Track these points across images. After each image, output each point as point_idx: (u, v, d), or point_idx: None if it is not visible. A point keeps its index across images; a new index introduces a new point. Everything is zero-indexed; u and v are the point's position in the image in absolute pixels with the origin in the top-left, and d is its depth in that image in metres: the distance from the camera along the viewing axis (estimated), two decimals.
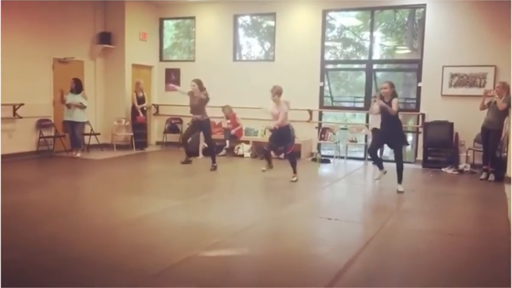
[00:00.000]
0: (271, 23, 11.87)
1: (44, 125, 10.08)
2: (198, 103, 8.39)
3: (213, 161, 8.64)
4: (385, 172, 7.33)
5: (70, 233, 4.87)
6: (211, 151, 8.82)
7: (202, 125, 8.54)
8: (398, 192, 7.00)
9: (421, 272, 4.09)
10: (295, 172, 7.73)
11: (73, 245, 4.47)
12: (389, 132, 7.01)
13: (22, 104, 9.42)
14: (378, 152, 7.73)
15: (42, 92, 10.04)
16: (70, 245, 4.48)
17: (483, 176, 8.40)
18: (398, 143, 7.11)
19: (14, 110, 9.38)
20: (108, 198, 6.52)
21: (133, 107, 11.37)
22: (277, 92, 7.50)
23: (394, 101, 6.83)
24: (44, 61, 10.13)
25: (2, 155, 9.07)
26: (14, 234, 4.79)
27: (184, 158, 8.66)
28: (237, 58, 12.10)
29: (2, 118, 9.21)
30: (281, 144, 7.85)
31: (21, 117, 9.49)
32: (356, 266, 4.15)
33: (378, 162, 7.42)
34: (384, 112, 6.91)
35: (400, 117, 7.30)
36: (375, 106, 9.88)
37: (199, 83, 8.44)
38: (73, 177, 8.27)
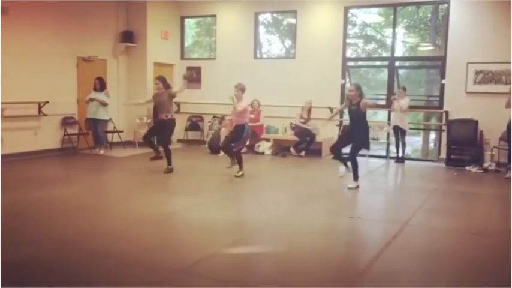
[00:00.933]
0: (292, 20, 11.84)
1: (68, 122, 10.26)
2: (165, 101, 7.94)
3: (169, 163, 8.07)
4: (349, 171, 7.21)
5: (96, 228, 4.98)
6: (167, 151, 8.05)
7: (166, 124, 8.02)
8: (348, 188, 7.03)
9: (443, 270, 4.04)
10: (240, 168, 7.84)
11: (99, 240, 4.55)
12: (355, 132, 6.99)
13: (47, 102, 9.60)
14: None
15: (67, 90, 10.22)
16: (96, 239, 4.57)
17: (508, 174, 8.25)
18: (359, 144, 7.03)
19: (39, 107, 9.56)
20: (132, 194, 6.62)
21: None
22: (241, 89, 7.71)
23: (364, 102, 6.81)
24: (69, 60, 10.30)
25: (28, 152, 9.31)
26: (42, 228, 4.91)
27: (154, 154, 8.20)
28: (258, 56, 12.10)
29: (27, 116, 9.41)
30: (235, 141, 7.78)
31: (46, 115, 9.68)
32: (379, 264, 4.13)
33: (342, 159, 7.33)
34: (354, 112, 6.89)
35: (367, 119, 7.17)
36: (395, 103, 9.86)
37: (163, 81, 8.00)
38: (97, 174, 8.41)
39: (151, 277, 3.68)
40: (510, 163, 8.34)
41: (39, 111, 9.58)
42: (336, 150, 7.30)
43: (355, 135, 7.00)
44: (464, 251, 4.57)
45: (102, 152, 10.19)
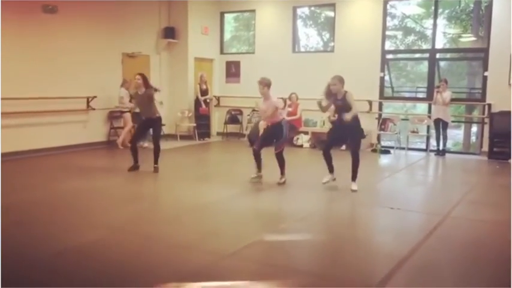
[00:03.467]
0: (330, 13, 11.87)
1: (114, 116, 10.68)
2: (145, 103, 7.34)
3: (155, 161, 7.56)
4: (334, 179, 6.60)
5: (147, 216, 5.29)
6: (157, 150, 7.56)
7: (153, 123, 7.56)
8: (352, 191, 6.30)
9: (484, 262, 4.10)
10: (282, 173, 6.79)
11: (150, 227, 4.84)
12: (347, 129, 6.26)
13: (95, 97, 10.04)
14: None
15: (113, 85, 10.63)
16: (148, 226, 4.86)
17: None
18: (357, 139, 6.48)
19: (88, 102, 10.02)
20: (177, 185, 6.90)
21: (197, 99, 11.80)
22: (266, 84, 6.58)
23: (349, 96, 6.20)
24: (114, 56, 10.72)
25: (77, 145, 9.80)
26: (97, 215, 5.25)
27: (132, 164, 7.57)
28: (296, 50, 12.21)
29: (77, 110, 9.90)
30: (271, 142, 6.78)
31: (94, 109, 10.13)
32: (419, 254, 4.22)
33: (330, 163, 6.55)
34: (341, 107, 6.27)
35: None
36: (437, 96, 9.78)
37: (144, 78, 7.40)
38: (142, 166, 8.75)
39: (203, 260, 3.92)
40: None
41: (88, 106, 10.03)
42: (327, 153, 6.52)
43: (348, 131, 6.32)
44: (506, 243, 4.58)
45: (146, 145, 10.52)
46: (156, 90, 7.70)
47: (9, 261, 3.75)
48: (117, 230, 4.77)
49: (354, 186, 6.35)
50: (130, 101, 9.63)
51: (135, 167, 7.56)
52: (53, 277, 3.60)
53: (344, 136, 6.60)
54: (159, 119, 7.61)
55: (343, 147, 10.42)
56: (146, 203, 5.89)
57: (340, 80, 6.22)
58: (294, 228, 4.92)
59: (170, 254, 4.10)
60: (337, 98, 6.26)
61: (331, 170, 6.55)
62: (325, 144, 6.77)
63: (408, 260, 4.04)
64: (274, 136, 6.69)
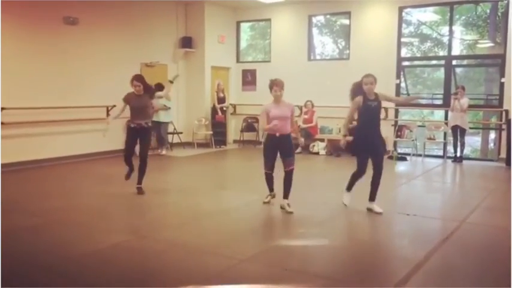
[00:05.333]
0: (345, 21, 11.95)
1: None
2: (145, 105, 6.62)
3: (139, 181, 6.63)
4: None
5: (168, 221, 5.44)
6: (144, 166, 6.69)
7: (144, 133, 6.64)
8: (376, 213, 5.58)
9: (500, 267, 4.09)
10: (287, 197, 5.71)
11: (170, 232, 4.96)
12: (376, 137, 5.58)
13: (114, 106, 10.22)
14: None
15: None
16: (167, 232, 4.98)
17: None
18: (382, 150, 5.75)
19: (108, 111, 10.23)
20: (196, 191, 7.02)
21: (214, 107, 11.96)
22: (283, 87, 5.63)
23: (383, 96, 5.67)
24: (133, 65, 10.90)
25: (97, 153, 10.02)
26: (119, 221, 5.39)
27: (127, 172, 6.87)
28: (312, 58, 12.30)
29: (97, 119, 10.12)
30: (280, 157, 5.71)
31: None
32: (435, 258, 4.25)
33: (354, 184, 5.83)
34: (373, 111, 5.56)
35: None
36: (455, 103, 9.75)
37: (143, 81, 6.59)
38: (161, 173, 8.91)
39: (223, 264, 4.02)
40: None
41: (108, 114, 10.25)
42: (362, 174, 5.65)
43: (376, 139, 5.57)
44: None
45: (164, 152, 10.74)
46: (158, 110, 7.24)
47: (26, 266, 3.90)
48: (137, 235, 4.91)
49: (378, 209, 5.60)
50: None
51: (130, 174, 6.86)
52: (71, 282, 3.72)
53: (373, 149, 5.56)
54: (150, 129, 6.82)
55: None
56: (167, 209, 6.01)
57: (376, 80, 5.55)
58: (311, 233, 4.99)
59: (189, 259, 4.20)
60: (369, 99, 5.51)
61: (350, 189, 5.88)
62: (361, 167, 5.62)
63: (424, 264, 4.08)
64: (288, 150, 5.62)
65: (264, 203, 5.97)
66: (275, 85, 5.57)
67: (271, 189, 5.94)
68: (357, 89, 5.62)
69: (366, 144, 5.51)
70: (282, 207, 5.68)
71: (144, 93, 6.58)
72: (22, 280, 3.68)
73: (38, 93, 8.92)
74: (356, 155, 5.71)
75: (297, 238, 4.80)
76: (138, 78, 6.60)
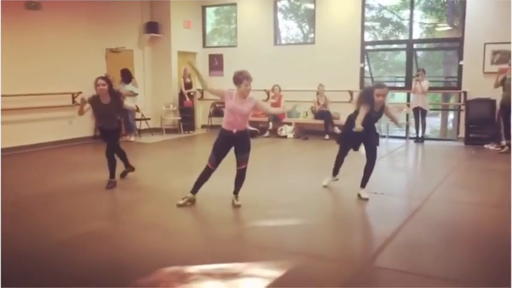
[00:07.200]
0: (310, 5, 12.10)
1: None
2: (112, 112, 6.12)
3: (112, 175, 6.31)
4: (337, 179, 6.13)
5: (143, 206, 5.52)
6: (114, 162, 6.35)
7: (112, 133, 6.32)
8: (363, 199, 5.62)
9: (464, 241, 4.40)
10: (237, 192, 5.39)
11: (148, 217, 5.05)
12: (369, 137, 5.55)
13: (80, 92, 10.06)
14: None
15: None
16: (146, 216, 5.06)
17: (503, 150, 8.90)
18: (375, 139, 5.73)
19: (73, 98, 10.07)
20: (168, 177, 7.07)
21: (181, 93, 11.94)
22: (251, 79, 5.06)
23: (387, 106, 5.61)
24: (98, 51, 10.78)
25: (63, 140, 9.88)
26: (95, 208, 5.42)
27: (125, 168, 6.77)
28: (278, 42, 12.42)
29: (62, 106, 9.96)
30: (235, 154, 5.28)
31: (79, 105, 10.16)
32: (403, 234, 4.51)
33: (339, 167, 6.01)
34: (373, 121, 5.52)
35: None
36: (416, 85, 10.13)
37: (109, 83, 6.08)
38: (132, 160, 8.73)
39: (203, 245, 4.16)
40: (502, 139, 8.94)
41: (73, 101, 10.08)
42: (340, 162, 5.94)
43: (369, 139, 5.59)
44: (485, 223, 4.89)
45: (132, 139, 10.68)
46: (125, 95, 6.71)
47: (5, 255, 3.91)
48: (113, 220, 4.98)
49: (365, 194, 5.65)
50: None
51: (130, 168, 6.83)
52: (49, 269, 3.75)
53: (364, 137, 5.55)
54: (119, 129, 6.61)
55: (327, 136, 10.79)
56: (140, 195, 6.05)
57: (388, 91, 5.47)
58: (284, 214, 5.16)
59: (169, 241, 4.31)
60: (375, 111, 5.38)
61: (336, 172, 6.04)
62: (343, 151, 5.88)
63: (392, 239, 4.33)
64: (244, 147, 5.18)
65: (179, 205, 5.22)
66: (246, 79, 4.97)
67: (195, 190, 5.31)
68: (366, 96, 5.37)
69: (353, 139, 5.64)
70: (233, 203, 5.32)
71: (110, 102, 6.03)
72: None
73: (1, 81, 8.68)
74: (340, 145, 5.91)
75: (272, 219, 4.96)
76: (103, 78, 6.13)
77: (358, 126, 5.25)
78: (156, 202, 5.68)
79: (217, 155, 5.23)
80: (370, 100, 5.30)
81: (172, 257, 3.89)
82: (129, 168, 6.81)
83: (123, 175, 6.73)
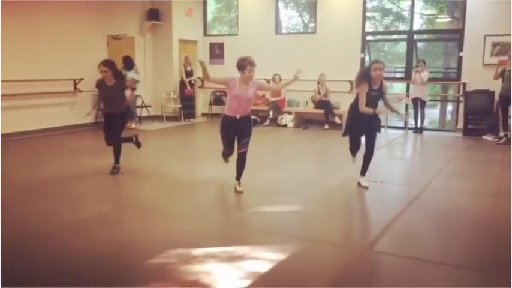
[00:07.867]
0: None
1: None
2: (117, 95, 6.08)
3: (117, 161, 6.33)
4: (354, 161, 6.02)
5: (148, 191, 5.58)
6: (119, 148, 6.35)
7: (117, 118, 6.23)
8: (363, 187, 5.67)
9: (460, 228, 4.51)
10: (239, 178, 5.41)
11: (153, 201, 5.13)
12: (371, 122, 5.51)
13: (82, 79, 10.13)
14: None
15: None
16: (151, 201, 5.15)
17: (501, 141, 9.04)
18: (376, 129, 5.67)
19: (75, 84, 10.12)
20: (170, 163, 7.16)
21: (182, 80, 11.98)
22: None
23: (385, 87, 5.57)
24: (100, 38, 10.79)
25: (65, 126, 9.94)
26: (99, 192, 5.52)
27: (114, 163, 6.38)
28: (279, 31, 12.44)
29: (64, 92, 10.00)
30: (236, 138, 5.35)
31: (81, 91, 10.24)
32: (402, 220, 4.62)
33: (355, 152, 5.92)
34: (374, 100, 5.43)
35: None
36: (416, 76, 10.20)
37: (112, 66, 6.05)
38: (134, 146, 8.96)
39: (208, 228, 4.25)
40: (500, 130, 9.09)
41: (75, 88, 10.13)
42: (356, 150, 5.87)
43: (372, 124, 5.54)
44: (483, 211, 5.00)
45: (133, 126, 10.73)
46: (131, 81, 6.76)
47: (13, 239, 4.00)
48: (119, 205, 5.06)
49: (364, 182, 5.70)
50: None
51: (138, 143, 6.79)
52: (57, 251, 3.83)
53: (367, 126, 5.53)
54: (124, 113, 6.41)
55: (327, 126, 10.88)
56: (143, 180, 6.13)
57: (384, 67, 5.41)
58: (286, 200, 5.25)
59: (174, 225, 4.40)
60: (372, 89, 5.32)
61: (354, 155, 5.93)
62: (355, 143, 5.80)
63: (392, 226, 4.43)
64: (246, 132, 5.25)
65: (239, 192, 5.34)
66: (250, 64, 5.01)
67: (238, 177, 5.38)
68: (363, 75, 5.40)
69: (359, 129, 5.56)
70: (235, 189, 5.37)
71: (115, 83, 6.01)
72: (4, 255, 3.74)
73: (2, 67, 8.70)
74: (349, 136, 5.79)
75: (274, 205, 5.05)
76: (105, 63, 6.04)
77: (362, 107, 5.26)
78: (159, 187, 5.77)
79: (228, 142, 5.38)
80: (367, 76, 5.31)
81: (177, 240, 3.98)
82: (117, 169, 6.33)
83: (113, 172, 6.29)
